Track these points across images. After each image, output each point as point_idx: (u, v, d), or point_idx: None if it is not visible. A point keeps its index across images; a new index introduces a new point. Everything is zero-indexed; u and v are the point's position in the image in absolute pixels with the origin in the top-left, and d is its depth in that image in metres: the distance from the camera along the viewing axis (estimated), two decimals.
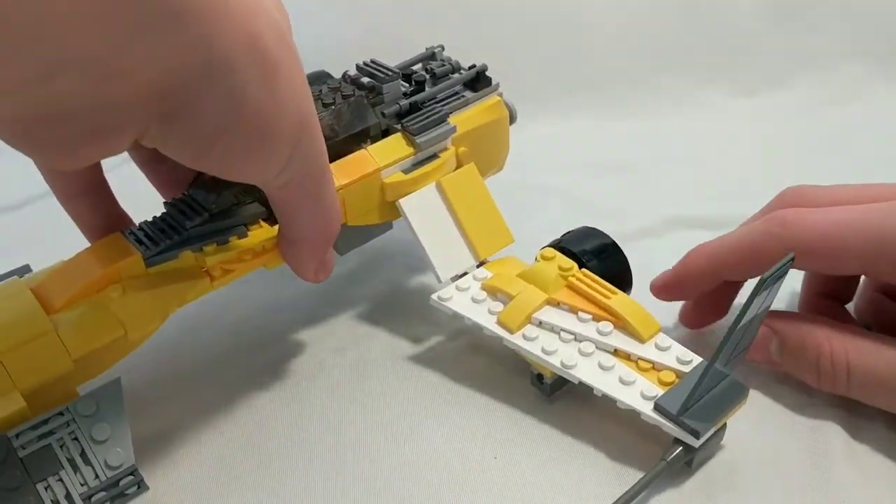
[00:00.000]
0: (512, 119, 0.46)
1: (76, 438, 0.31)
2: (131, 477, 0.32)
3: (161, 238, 0.35)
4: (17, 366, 0.30)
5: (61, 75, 0.22)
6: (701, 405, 0.32)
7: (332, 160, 0.38)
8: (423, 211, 0.41)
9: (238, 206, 0.37)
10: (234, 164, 0.29)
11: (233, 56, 0.25)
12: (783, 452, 0.34)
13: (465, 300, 0.39)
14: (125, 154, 0.33)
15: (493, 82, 0.44)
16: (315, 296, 0.45)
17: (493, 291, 0.39)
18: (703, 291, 0.39)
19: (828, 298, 0.40)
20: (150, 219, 0.36)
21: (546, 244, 0.41)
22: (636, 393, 0.33)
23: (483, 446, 0.35)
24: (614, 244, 0.40)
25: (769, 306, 0.31)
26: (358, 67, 0.43)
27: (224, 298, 0.46)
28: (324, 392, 0.39)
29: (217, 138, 0.27)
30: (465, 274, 0.40)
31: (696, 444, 0.32)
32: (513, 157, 0.63)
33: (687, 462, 0.33)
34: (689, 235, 0.43)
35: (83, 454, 0.31)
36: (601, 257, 0.40)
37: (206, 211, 0.35)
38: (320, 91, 0.41)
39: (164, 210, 0.36)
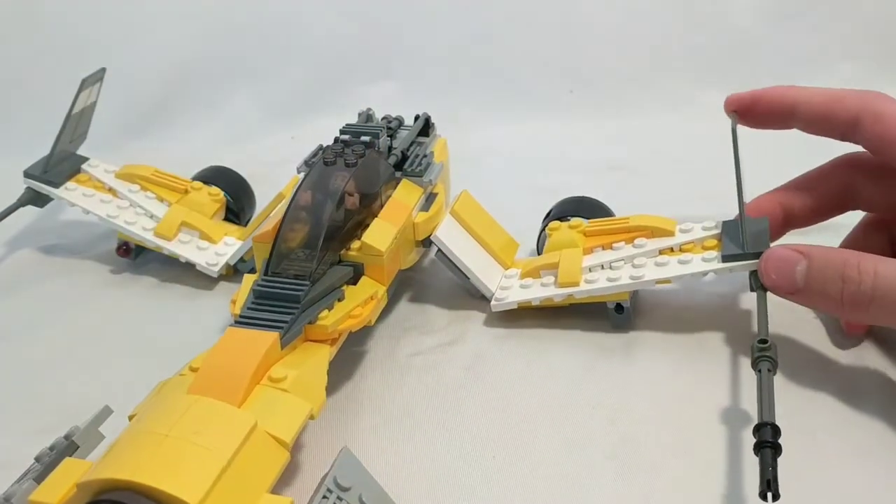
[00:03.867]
0: None
1: None
2: None
3: (276, 319, 0.34)
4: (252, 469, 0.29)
5: None
6: (748, 242, 0.38)
7: (369, 211, 0.41)
8: (452, 240, 0.43)
9: (327, 271, 0.37)
10: None
11: None
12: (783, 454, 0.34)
13: (519, 291, 0.42)
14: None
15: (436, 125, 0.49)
16: None
17: (534, 273, 0.42)
18: (767, 122, 0.40)
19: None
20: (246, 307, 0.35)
21: (541, 226, 0.46)
22: (699, 263, 0.39)
23: (482, 446, 0.35)
24: (585, 197, 0.47)
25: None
26: (342, 132, 0.45)
27: (219, 306, 0.46)
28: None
29: None
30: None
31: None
32: (513, 157, 0.63)
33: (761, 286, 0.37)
34: None
35: None
36: (583, 206, 0.46)
37: (308, 281, 0.36)
38: (337, 154, 0.41)
39: (254, 295, 0.36)
